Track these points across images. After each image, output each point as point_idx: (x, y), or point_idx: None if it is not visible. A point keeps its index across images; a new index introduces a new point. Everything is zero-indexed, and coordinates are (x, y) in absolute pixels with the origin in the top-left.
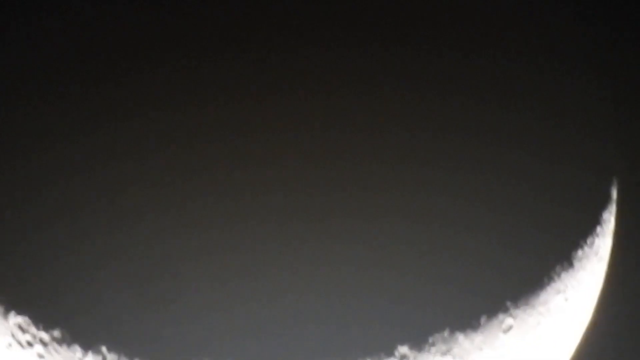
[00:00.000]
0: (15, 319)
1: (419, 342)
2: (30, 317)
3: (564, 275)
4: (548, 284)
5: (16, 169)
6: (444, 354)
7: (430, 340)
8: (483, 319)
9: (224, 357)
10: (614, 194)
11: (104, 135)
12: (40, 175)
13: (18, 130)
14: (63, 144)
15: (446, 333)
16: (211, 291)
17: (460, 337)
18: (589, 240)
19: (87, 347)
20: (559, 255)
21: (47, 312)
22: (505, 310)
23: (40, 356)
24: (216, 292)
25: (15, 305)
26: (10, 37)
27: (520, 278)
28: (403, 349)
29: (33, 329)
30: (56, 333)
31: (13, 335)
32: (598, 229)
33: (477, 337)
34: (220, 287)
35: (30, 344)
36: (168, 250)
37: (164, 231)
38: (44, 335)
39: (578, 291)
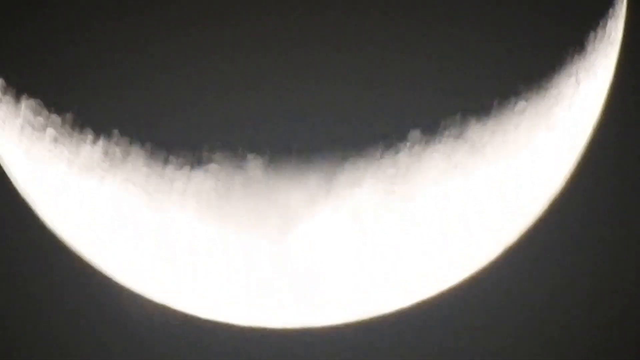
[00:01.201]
0: (27, 102)
1: (430, 127)
2: (42, 100)
3: (576, 58)
4: (560, 67)
5: None
6: (456, 137)
7: (442, 124)
8: (495, 103)
9: (235, 143)
10: None
11: None
12: None
13: None
14: None
15: (458, 117)
16: (223, 79)
17: (473, 121)
18: (600, 23)
19: (99, 130)
20: (571, 38)
21: (59, 96)
22: (518, 93)
23: (55, 139)
24: (228, 79)
25: (27, 88)
26: None
27: (532, 61)
28: (415, 134)
29: (45, 112)
30: (68, 116)
31: (25, 118)
32: (610, 11)
33: (490, 121)
34: (233, 76)
35: (42, 127)
36: (180, 39)
37: (175, 21)
38: (56, 118)
39: (590, 74)
